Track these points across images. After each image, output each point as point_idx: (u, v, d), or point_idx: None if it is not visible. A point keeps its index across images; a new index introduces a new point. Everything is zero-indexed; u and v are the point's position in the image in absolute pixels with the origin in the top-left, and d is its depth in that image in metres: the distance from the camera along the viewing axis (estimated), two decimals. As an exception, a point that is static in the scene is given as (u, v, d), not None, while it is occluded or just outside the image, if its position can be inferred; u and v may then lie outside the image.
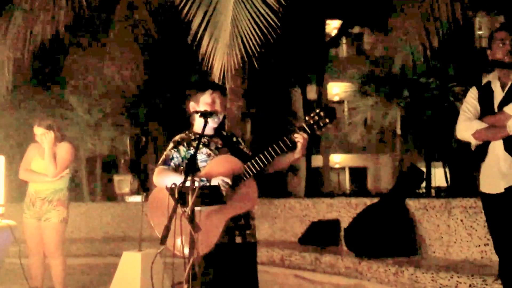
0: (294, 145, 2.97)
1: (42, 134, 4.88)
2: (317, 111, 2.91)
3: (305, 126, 2.91)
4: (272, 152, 2.92)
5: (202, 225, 2.79)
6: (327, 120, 2.88)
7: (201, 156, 3.10)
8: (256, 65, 6.32)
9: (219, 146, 3.19)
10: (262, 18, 6.21)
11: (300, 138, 2.93)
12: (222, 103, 3.25)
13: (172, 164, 3.13)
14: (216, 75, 6.48)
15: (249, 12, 6.26)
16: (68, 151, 4.95)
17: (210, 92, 3.20)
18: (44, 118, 5.22)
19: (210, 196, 2.77)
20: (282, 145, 2.93)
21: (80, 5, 8.07)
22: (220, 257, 3.01)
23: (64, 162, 4.91)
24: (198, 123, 3.21)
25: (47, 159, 4.81)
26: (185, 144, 3.16)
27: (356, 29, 20.82)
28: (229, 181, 2.92)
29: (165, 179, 3.00)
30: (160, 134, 15.25)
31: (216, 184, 2.87)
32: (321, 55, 18.32)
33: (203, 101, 3.18)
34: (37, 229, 4.88)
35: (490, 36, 3.47)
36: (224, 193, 2.87)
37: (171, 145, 3.21)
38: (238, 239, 3.08)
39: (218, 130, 3.29)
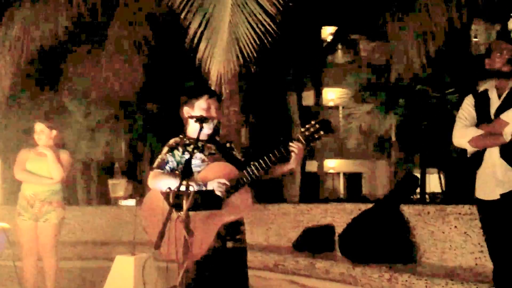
0: (289, 154, 3.00)
1: (41, 131, 4.94)
2: (313, 123, 2.96)
3: (300, 137, 2.95)
4: (268, 161, 2.95)
5: (196, 230, 2.79)
6: (322, 132, 2.93)
7: (195, 161, 3.09)
8: (253, 70, 6.31)
9: (213, 152, 3.20)
10: (259, 23, 6.21)
11: (295, 147, 2.96)
12: (217, 109, 3.26)
13: (167, 168, 3.13)
14: (213, 80, 6.47)
15: (246, 17, 6.26)
16: (70, 158, 5.12)
17: (206, 97, 3.20)
18: (48, 119, 5.33)
19: (205, 200, 2.77)
20: (277, 154, 2.95)
21: (79, 11, 8.08)
22: (212, 261, 3.02)
23: (68, 167, 5.03)
24: (192, 128, 3.21)
25: (52, 163, 4.87)
26: (179, 148, 3.16)
27: (352, 36, 20.86)
28: (225, 181, 2.93)
29: (160, 182, 3.00)
30: (155, 139, 15.23)
31: (212, 188, 2.88)
32: (318, 60, 18.32)
33: (198, 106, 3.18)
34: (34, 231, 4.88)
35: (489, 45, 3.52)
36: (220, 194, 2.88)
37: (165, 149, 3.20)
38: (229, 244, 3.10)
39: (212, 136, 3.30)
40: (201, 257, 2.95)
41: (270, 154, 2.95)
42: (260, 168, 2.95)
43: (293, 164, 3.07)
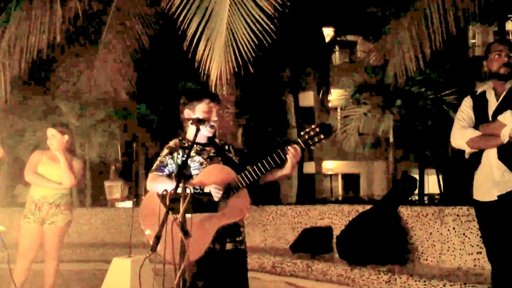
0: (285, 160, 2.98)
1: (53, 136, 4.93)
2: (313, 126, 2.94)
3: (300, 140, 2.91)
4: (266, 165, 2.95)
5: (194, 232, 2.78)
6: (322, 136, 2.90)
7: (193, 164, 3.11)
8: (252, 69, 6.27)
9: (212, 155, 3.20)
10: (256, 23, 6.18)
11: (292, 152, 2.94)
12: (218, 112, 3.26)
13: (166, 170, 3.14)
14: (213, 81, 6.42)
15: (243, 17, 6.22)
16: (83, 166, 5.18)
17: (208, 101, 3.20)
18: (61, 124, 5.35)
19: (202, 203, 2.75)
20: (276, 158, 2.93)
21: (76, 13, 8.05)
22: (212, 263, 3.02)
23: (79, 174, 5.05)
24: (191, 131, 3.21)
25: (64, 169, 4.85)
26: (179, 151, 3.15)
27: (349, 37, 20.85)
28: (221, 189, 2.92)
29: (158, 185, 3.00)
30: (150, 141, 15.20)
31: (208, 191, 2.87)
32: (319, 61, 18.22)
33: (199, 109, 3.18)
34: (37, 234, 4.86)
35: (487, 48, 3.54)
36: (216, 199, 2.86)
37: (165, 151, 3.20)
38: (229, 246, 3.11)
39: (212, 138, 3.28)
40: (200, 259, 2.94)
41: (268, 158, 2.93)
42: (258, 172, 2.94)
43: (288, 169, 3.06)
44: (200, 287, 3.00)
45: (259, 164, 2.94)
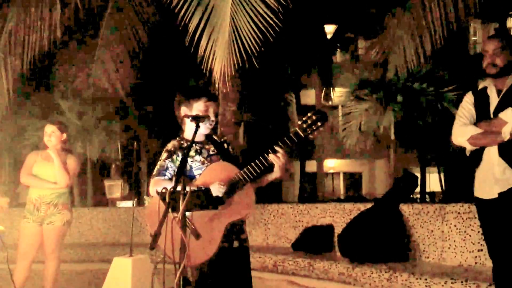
0: (270, 165, 2.98)
1: (52, 132, 4.91)
2: (309, 114, 2.91)
3: (298, 130, 2.89)
4: (252, 171, 2.92)
5: (203, 231, 2.79)
6: (319, 124, 2.88)
7: (195, 164, 3.11)
8: (256, 65, 6.20)
9: (211, 153, 3.19)
10: (261, 18, 6.09)
11: (274, 157, 2.91)
12: (215, 111, 3.25)
13: (167, 174, 3.13)
14: (216, 78, 6.36)
15: (247, 12, 6.15)
16: (78, 163, 5.15)
17: (205, 99, 3.18)
18: (59, 121, 5.33)
19: (202, 200, 2.75)
20: (259, 164, 2.92)
21: (76, 12, 8.04)
22: (220, 261, 3.03)
23: (75, 172, 5.06)
24: (189, 128, 3.20)
25: (58, 168, 4.86)
26: (178, 153, 3.15)
27: (349, 34, 20.80)
28: (224, 184, 2.92)
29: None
30: (151, 139, 15.20)
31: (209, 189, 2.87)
32: (325, 59, 18.18)
33: (196, 108, 3.16)
34: (36, 234, 4.86)
35: None
36: (220, 194, 2.86)
37: (164, 154, 3.19)
38: (236, 243, 3.12)
39: (210, 136, 3.27)
40: (213, 257, 2.96)
41: (251, 165, 2.92)
42: (260, 166, 2.92)
43: (278, 172, 3.04)
44: (209, 285, 3.02)
45: (260, 158, 2.93)
